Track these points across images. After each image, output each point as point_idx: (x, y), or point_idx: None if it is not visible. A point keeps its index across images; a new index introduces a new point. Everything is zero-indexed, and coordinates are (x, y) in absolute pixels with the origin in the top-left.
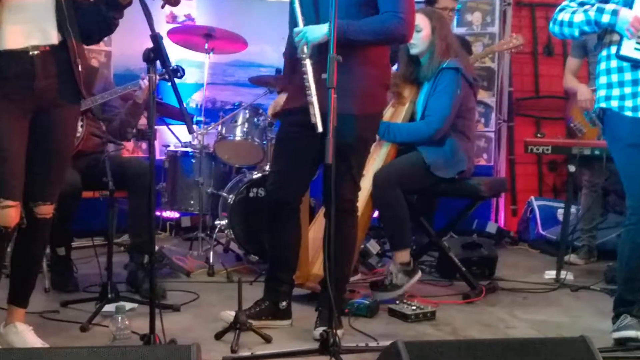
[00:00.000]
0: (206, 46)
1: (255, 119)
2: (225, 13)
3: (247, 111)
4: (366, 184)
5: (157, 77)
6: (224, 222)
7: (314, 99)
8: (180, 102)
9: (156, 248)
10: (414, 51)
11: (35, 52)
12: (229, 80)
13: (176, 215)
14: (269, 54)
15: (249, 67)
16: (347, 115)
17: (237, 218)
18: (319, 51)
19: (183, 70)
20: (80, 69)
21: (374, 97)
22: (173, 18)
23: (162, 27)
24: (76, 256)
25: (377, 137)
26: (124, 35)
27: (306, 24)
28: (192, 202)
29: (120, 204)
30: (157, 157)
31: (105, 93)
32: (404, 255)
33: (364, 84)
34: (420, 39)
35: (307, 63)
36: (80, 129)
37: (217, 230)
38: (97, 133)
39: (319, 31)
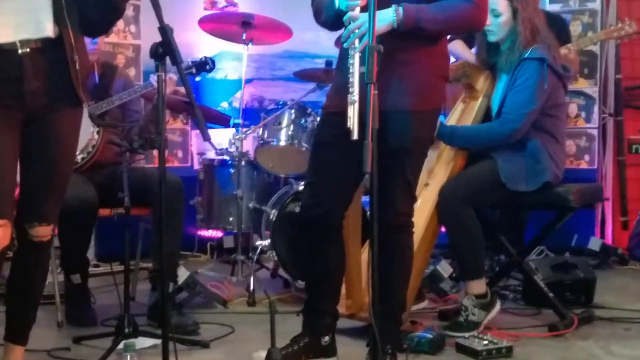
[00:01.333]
0: (244, 36)
1: (303, 120)
2: None
3: (292, 111)
4: (431, 194)
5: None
6: (267, 242)
7: (356, 97)
8: (191, 100)
9: (188, 273)
10: (492, 39)
11: (26, 50)
12: (278, 74)
13: (219, 234)
14: (325, 42)
15: (302, 59)
16: (401, 113)
17: (281, 237)
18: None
19: (213, 62)
20: (77, 66)
21: (432, 90)
22: (212, 4)
23: (199, 15)
24: (94, 284)
25: (439, 139)
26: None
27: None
28: (230, 219)
29: (147, 222)
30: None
31: (122, 94)
32: (478, 286)
33: (420, 76)
34: (499, 25)
35: (356, 57)
36: (96, 136)
37: (258, 251)
38: (116, 141)
39: (384, 18)
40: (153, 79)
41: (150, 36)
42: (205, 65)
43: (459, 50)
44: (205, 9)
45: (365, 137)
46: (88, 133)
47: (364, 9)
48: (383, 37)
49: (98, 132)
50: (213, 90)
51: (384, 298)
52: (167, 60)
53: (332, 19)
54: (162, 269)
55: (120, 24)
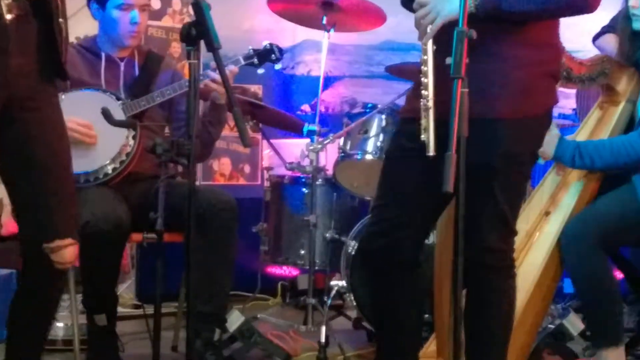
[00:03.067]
0: (324, 20)
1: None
2: None
3: (383, 117)
4: (552, 226)
5: (243, 62)
6: (344, 282)
7: (430, 102)
8: (229, 94)
9: (242, 319)
10: (638, 25)
11: (9, 16)
12: (376, 71)
13: (293, 271)
14: None
15: (407, 52)
16: (491, 121)
17: (360, 276)
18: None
19: (281, 51)
20: (64, 33)
21: (531, 92)
22: None
23: None
24: (127, 329)
25: (559, 160)
26: (219, 10)
27: None
28: (302, 252)
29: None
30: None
31: (166, 88)
32: (616, 356)
33: (518, 73)
34: None
35: (429, 48)
36: (131, 142)
37: (333, 294)
38: (156, 146)
39: (457, 2)
40: (210, 71)
41: (214, 18)
42: (269, 54)
43: (612, 47)
44: None
45: (449, 147)
46: (122, 138)
47: None
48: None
49: (134, 137)
50: (291, 89)
51: (475, 357)
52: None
53: (404, 2)
54: (189, 315)
55: (176, 3)
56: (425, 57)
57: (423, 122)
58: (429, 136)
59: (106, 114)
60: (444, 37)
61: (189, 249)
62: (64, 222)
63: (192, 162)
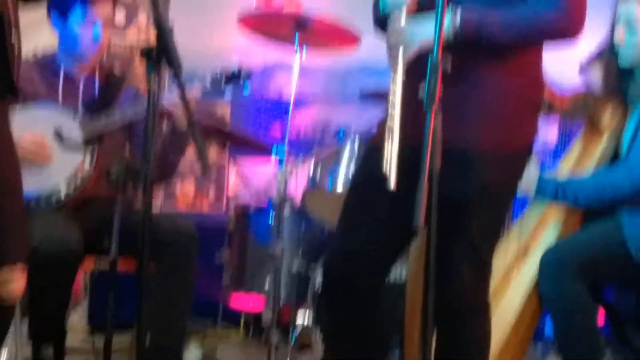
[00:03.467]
0: (296, 41)
1: None
2: None
3: (356, 142)
4: (529, 266)
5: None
6: (309, 317)
7: (395, 134)
8: (188, 116)
9: (199, 353)
10: (624, 63)
11: None
12: (351, 94)
13: (258, 304)
14: None
15: (385, 75)
16: (468, 153)
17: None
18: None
19: (250, 74)
20: (16, 51)
21: (512, 124)
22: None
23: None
24: None
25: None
26: (189, 27)
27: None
28: (267, 285)
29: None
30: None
31: (126, 108)
32: None
33: (499, 104)
34: (635, 46)
35: (398, 78)
36: (87, 165)
37: (299, 330)
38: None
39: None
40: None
41: (183, 34)
42: (238, 77)
43: (597, 79)
44: (258, 2)
45: (421, 180)
46: (77, 158)
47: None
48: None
49: (90, 159)
50: (261, 111)
51: None
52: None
53: (378, 25)
54: (139, 349)
55: (141, 18)
56: (394, 87)
57: (386, 154)
58: (391, 170)
59: (58, 136)
60: (416, 64)
61: (142, 278)
62: (14, 246)
63: (148, 188)
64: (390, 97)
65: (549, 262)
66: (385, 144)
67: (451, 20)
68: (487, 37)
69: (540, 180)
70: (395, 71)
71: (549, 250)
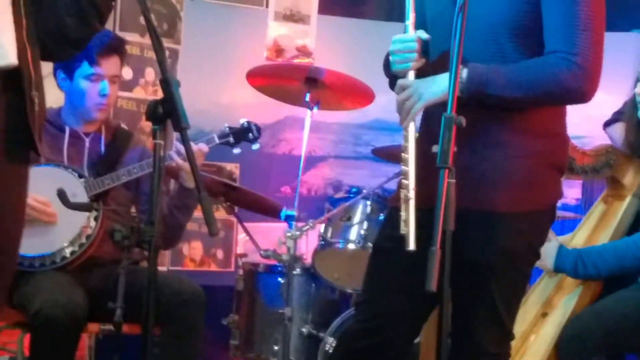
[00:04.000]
0: (307, 97)
1: (382, 216)
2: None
3: (368, 202)
4: (549, 329)
5: (217, 141)
6: None
7: (411, 193)
8: (196, 179)
9: None
10: None
11: None
12: (364, 152)
13: None
14: None
15: (398, 132)
16: (490, 214)
17: None
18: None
19: (259, 130)
20: (37, 107)
21: (535, 185)
22: (278, 52)
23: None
24: None
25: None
26: (197, 83)
27: (430, 63)
28: (275, 347)
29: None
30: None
31: (132, 167)
32: None
33: (520, 163)
34: None
35: (410, 134)
36: (92, 223)
37: None
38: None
39: (440, 82)
40: (176, 148)
41: (191, 91)
42: (247, 133)
43: (620, 136)
44: (269, 59)
45: (433, 242)
46: (82, 219)
47: (423, 74)
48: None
49: (96, 219)
50: (271, 169)
51: None
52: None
53: (391, 84)
54: None
55: (149, 74)
56: (406, 144)
57: (403, 214)
58: (409, 230)
59: (62, 196)
60: (432, 122)
61: (147, 344)
62: None
63: (153, 251)
64: (403, 154)
65: (570, 335)
66: (402, 204)
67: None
68: (494, 94)
69: (560, 254)
70: (406, 128)
71: (571, 322)
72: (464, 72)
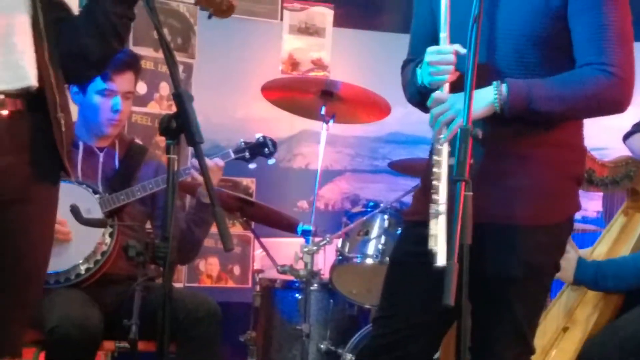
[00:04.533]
0: (323, 111)
1: (399, 230)
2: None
3: (386, 217)
4: (570, 344)
5: (233, 156)
6: None
7: (442, 208)
8: (210, 194)
9: None
10: None
11: (3, 112)
12: (381, 165)
13: None
14: None
15: (416, 145)
16: (510, 228)
17: None
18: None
19: (274, 145)
20: (63, 128)
21: (555, 197)
22: (293, 65)
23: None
24: None
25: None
26: (212, 97)
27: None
28: None
29: None
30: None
31: (148, 182)
32: None
33: (540, 176)
34: None
35: (444, 149)
36: (108, 240)
37: None
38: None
39: (482, 98)
40: (193, 164)
41: (206, 105)
42: (262, 147)
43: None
44: (284, 72)
45: (451, 256)
46: (98, 235)
47: (455, 88)
48: (483, 122)
49: (111, 235)
50: (287, 184)
51: None
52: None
53: (416, 99)
54: None
55: (163, 88)
56: (438, 159)
57: (432, 229)
58: (439, 245)
59: (75, 212)
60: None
61: None
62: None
63: (168, 267)
64: (435, 169)
65: (591, 354)
66: (431, 218)
67: (497, 92)
68: (538, 110)
69: (579, 266)
70: (441, 143)
71: (590, 343)
72: (504, 88)
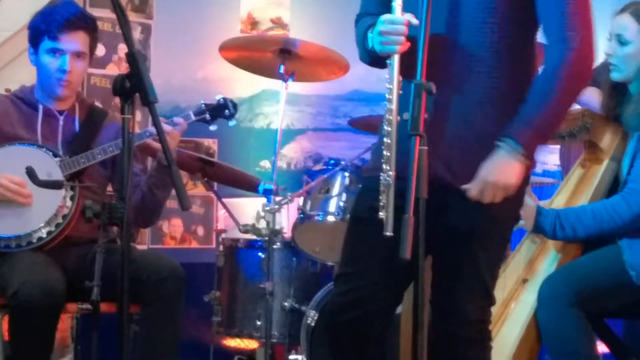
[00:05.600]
0: (281, 69)
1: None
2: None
3: (346, 174)
4: (530, 295)
5: (193, 118)
6: (302, 356)
7: (391, 179)
8: (166, 154)
9: None
10: (616, 75)
11: None
12: (343, 123)
13: (252, 344)
14: None
15: (377, 103)
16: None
17: (322, 352)
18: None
19: (235, 106)
20: None
21: None
22: (253, 24)
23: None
24: None
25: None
26: (171, 58)
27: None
28: (258, 323)
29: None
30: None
31: (108, 145)
32: None
33: (496, 132)
34: (626, 58)
35: (394, 121)
36: (69, 203)
37: None
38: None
39: (506, 170)
40: (169, 127)
41: (165, 66)
42: (223, 109)
43: (596, 101)
44: (243, 32)
45: (406, 210)
46: (58, 198)
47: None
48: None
49: (72, 198)
50: (249, 143)
51: None
52: None
53: (366, 60)
54: None
55: (122, 50)
56: (389, 129)
57: (382, 198)
58: (388, 215)
59: (30, 174)
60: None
61: (123, 322)
62: None
63: (126, 227)
64: (386, 139)
65: (545, 291)
66: (381, 188)
67: (514, 154)
68: (544, 129)
69: (539, 215)
70: (392, 102)
71: (548, 278)
72: (518, 149)
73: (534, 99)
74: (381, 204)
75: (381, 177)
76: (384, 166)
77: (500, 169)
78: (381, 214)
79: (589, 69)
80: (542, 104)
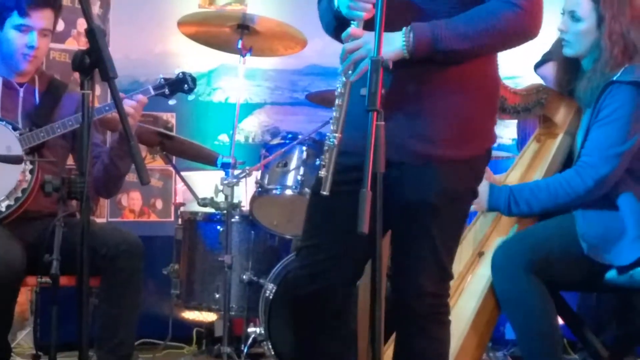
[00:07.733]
0: (239, 44)
1: (318, 161)
2: None
3: (304, 148)
4: (486, 268)
5: (152, 93)
6: (260, 329)
7: (336, 140)
8: (125, 128)
9: None
10: (568, 51)
11: None
12: (300, 97)
13: (211, 317)
14: None
15: (334, 77)
16: (429, 157)
17: (281, 323)
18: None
19: (194, 80)
20: None
21: (472, 131)
22: (211, 0)
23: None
24: None
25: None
26: (130, 33)
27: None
28: (217, 295)
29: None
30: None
31: (68, 119)
32: None
33: (454, 109)
34: (578, 34)
35: (347, 87)
36: (28, 177)
37: (249, 342)
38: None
39: (391, 43)
40: (127, 101)
41: (124, 41)
42: (182, 83)
43: (552, 76)
44: (201, 7)
45: (364, 184)
46: (18, 172)
47: (369, 26)
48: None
49: (32, 172)
50: (207, 117)
51: None
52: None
53: (333, 25)
54: None
55: (80, 25)
56: (342, 91)
57: (325, 157)
58: (328, 175)
59: None
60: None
61: (82, 295)
62: None
63: (85, 202)
64: (337, 100)
65: (498, 258)
66: (325, 148)
67: (405, 40)
68: (444, 49)
69: (492, 192)
70: (344, 80)
71: (502, 244)
72: (410, 35)
73: (467, 17)
74: (323, 163)
75: (326, 138)
76: (331, 127)
77: (388, 37)
78: (321, 173)
79: (527, 34)
80: (468, 25)
